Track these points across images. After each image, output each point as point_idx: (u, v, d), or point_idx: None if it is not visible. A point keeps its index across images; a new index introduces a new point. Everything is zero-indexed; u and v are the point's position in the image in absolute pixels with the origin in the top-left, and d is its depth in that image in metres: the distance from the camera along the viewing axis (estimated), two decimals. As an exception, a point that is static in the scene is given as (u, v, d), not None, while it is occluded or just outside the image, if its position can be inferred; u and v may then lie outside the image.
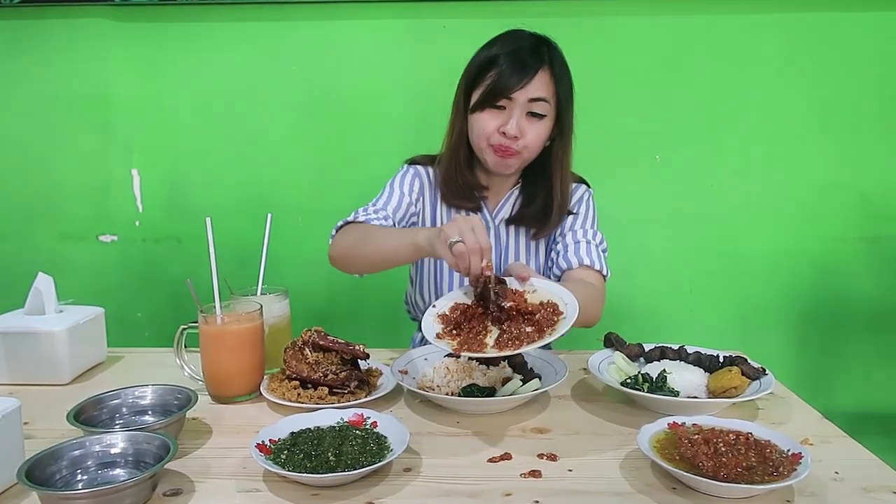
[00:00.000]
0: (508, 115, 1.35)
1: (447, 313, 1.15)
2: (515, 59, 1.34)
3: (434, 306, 1.17)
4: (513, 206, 1.52)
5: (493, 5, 2.06)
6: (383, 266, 1.36)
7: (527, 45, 1.36)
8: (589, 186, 1.56)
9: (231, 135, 2.20)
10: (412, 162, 1.56)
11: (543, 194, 1.47)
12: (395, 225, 1.46)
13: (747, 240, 2.23)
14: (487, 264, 1.09)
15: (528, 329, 1.07)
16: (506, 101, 1.35)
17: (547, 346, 1.58)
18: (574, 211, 1.51)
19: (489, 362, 1.24)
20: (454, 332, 1.12)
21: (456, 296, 1.19)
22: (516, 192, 1.52)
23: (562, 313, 1.09)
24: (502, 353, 1.04)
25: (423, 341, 1.63)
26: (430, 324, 1.14)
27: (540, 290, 1.16)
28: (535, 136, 1.37)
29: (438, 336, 1.11)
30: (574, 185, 1.53)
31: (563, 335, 1.04)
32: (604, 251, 1.50)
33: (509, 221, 1.51)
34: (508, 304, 1.10)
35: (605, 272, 1.45)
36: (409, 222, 1.53)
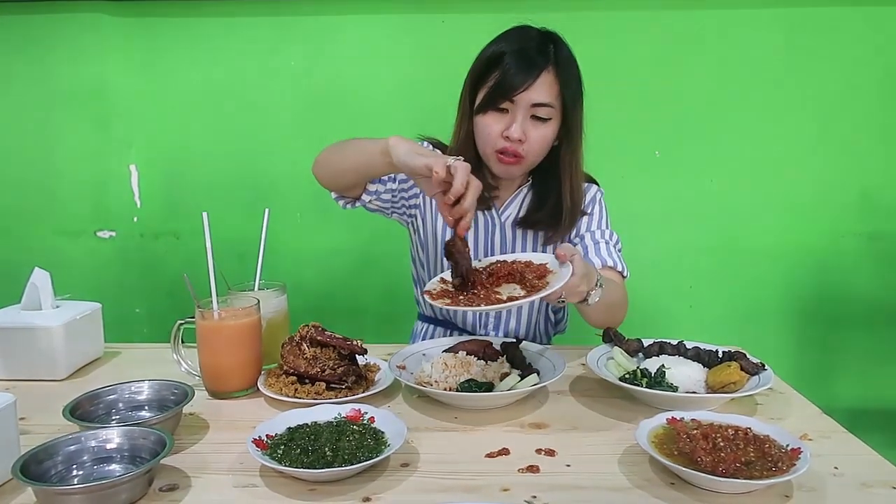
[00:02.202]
0: (512, 118, 1.33)
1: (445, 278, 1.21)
2: (519, 60, 1.31)
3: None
4: (520, 206, 1.50)
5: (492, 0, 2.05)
6: (356, 169, 1.32)
7: (533, 43, 1.33)
8: (599, 186, 1.55)
9: (229, 130, 2.19)
10: (434, 144, 1.52)
11: (554, 196, 1.45)
12: (394, 194, 1.45)
13: (747, 235, 2.23)
14: (467, 224, 1.10)
15: (501, 296, 1.12)
16: (508, 103, 1.33)
17: (547, 342, 1.59)
18: (587, 211, 1.50)
19: (487, 356, 1.24)
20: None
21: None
22: (525, 191, 1.50)
23: (541, 288, 1.11)
24: (454, 307, 1.09)
25: (423, 334, 1.62)
26: (433, 282, 1.20)
27: (556, 274, 1.16)
28: (537, 140, 1.35)
29: (427, 292, 1.16)
30: (585, 185, 1.51)
31: (519, 304, 1.08)
32: (619, 250, 1.48)
33: (519, 223, 1.49)
34: (470, 279, 1.15)
35: (625, 273, 1.45)
36: (410, 194, 1.50)
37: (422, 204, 1.53)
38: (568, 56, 1.37)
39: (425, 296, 1.14)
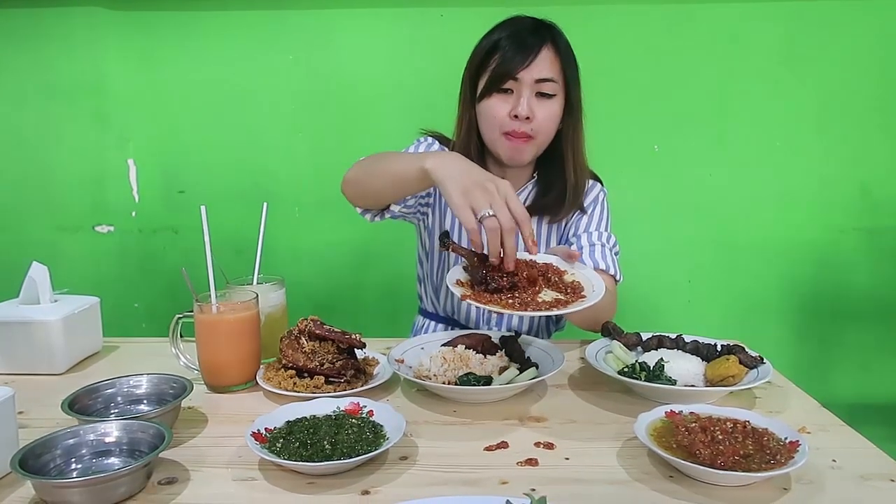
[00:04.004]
0: (517, 97, 1.34)
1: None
2: (517, 40, 1.33)
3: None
4: (525, 201, 1.49)
5: (490, -7, 2.05)
6: (391, 190, 1.28)
7: (527, 26, 1.36)
8: (603, 186, 1.54)
9: (228, 124, 2.19)
10: (437, 138, 1.50)
11: (560, 181, 1.44)
12: (418, 199, 1.42)
13: (746, 230, 2.23)
14: (533, 239, 1.10)
15: (545, 298, 1.11)
16: (512, 82, 1.33)
17: (546, 335, 1.59)
18: (588, 210, 1.49)
19: (486, 350, 1.24)
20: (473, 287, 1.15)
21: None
22: (530, 187, 1.49)
23: (584, 296, 1.11)
24: (505, 310, 1.06)
25: (424, 329, 1.62)
26: (454, 274, 1.18)
27: (577, 273, 1.18)
28: (545, 116, 1.35)
29: (458, 282, 1.14)
30: (590, 182, 1.51)
31: (573, 312, 1.08)
32: (616, 254, 1.48)
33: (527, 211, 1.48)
34: (492, 273, 1.13)
35: (618, 277, 1.44)
36: (424, 200, 1.49)
37: (434, 202, 1.53)
38: (563, 37, 1.38)
39: (468, 300, 1.09)
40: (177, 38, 2.14)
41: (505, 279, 1.12)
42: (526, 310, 1.07)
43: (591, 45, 2.06)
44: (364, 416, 1.00)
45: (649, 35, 2.12)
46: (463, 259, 1.21)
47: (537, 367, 1.18)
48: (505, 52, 1.33)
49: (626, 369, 1.16)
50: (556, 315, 1.08)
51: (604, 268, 1.41)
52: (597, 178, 1.55)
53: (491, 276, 1.13)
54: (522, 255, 1.21)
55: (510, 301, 1.09)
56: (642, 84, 2.14)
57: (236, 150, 2.20)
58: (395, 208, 1.37)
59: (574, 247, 1.46)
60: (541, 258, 1.22)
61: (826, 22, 2.10)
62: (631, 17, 2.11)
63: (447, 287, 1.15)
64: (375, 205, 1.36)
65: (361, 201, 1.36)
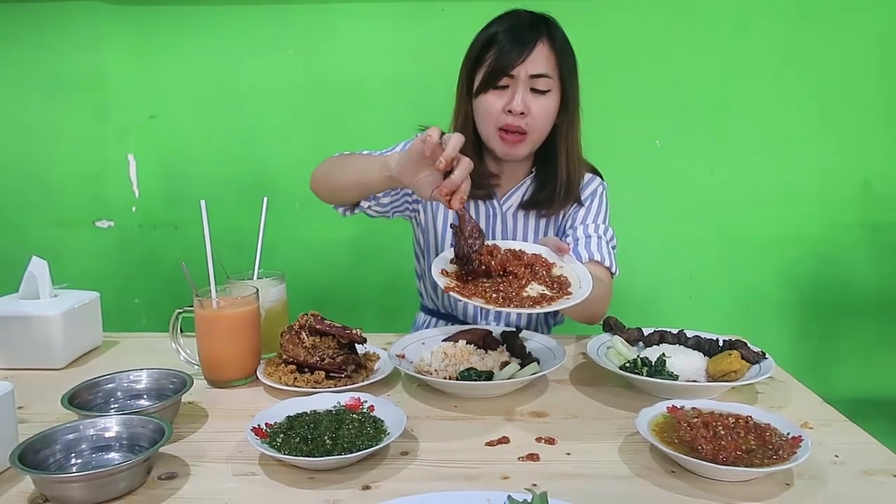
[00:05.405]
0: (513, 92, 1.33)
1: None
2: (513, 35, 1.33)
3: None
4: (522, 196, 1.49)
5: (491, -13, 2.04)
6: (355, 189, 1.34)
7: (524, 21, 1.35)
8: (603, 179, 1.54)
9: (228, 119, 2.19)
10: None
11: (555, 176, 1.44)
12: (394, 198, 1.44)
13: (748, 225, 2.22)
14: (461, 198, 1.06)
15: (530, 293, 1.07)
16: (507, 78, 1.33)
17: (546, 330, 1.59)
18: (586, 203, 1.48)
19: (487, 345, 1.24)
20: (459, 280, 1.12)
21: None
22: (528, 182, 1.49)
23: (570, 293, 1.09)
24: (487, 306, 1.02)
25: (425, 325, 1.62)
26: (439, 263, 1.15)
27: (566, 268, 1.16)
28: (541, 111, 1.35)
29: (443, 272, 1.12)
30: (589, 176, 1.51)
31: (556, 310, 1.06)
32: (613, 247, 1.47)
33: (522, 206, 1.48)
34: (477, 252, 1.09)
35: (613, 269, 1.43)
36: (411, 197, 1.50)
37: (421, 200, 1.52)
38: (560, 32, 1.38)
39: (452, 292, 1.06)
40: (176, 32, 2.13)
41: (483, 261, 1.10)
42: (509, 305, 1.03)
43: (593, 39, 2.06)
44: (365, 411, 0.99)
45: (651, 29, 2.11)
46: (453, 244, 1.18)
47: (538, 363, 1.17)
48: (501, 47, 1.33)
49: (627, 364, 1.16)
50: (539, 312, 1.05)
51: (598, 259, 1.40)
52: (596, 173, 1.54)
53: (472, 246, 1.09)
54: (510, 245, 1.19)
55: (493, 296, 1.06)
56: (644, 78, 2.14)
57: (236, 144, 2.20)
58: (364, 204, 1.40)
59: (569, 239, 1.46)
60: (530, 248, 1.21)
61: (828, 17, 2.09)
62: (633, 11, 2.10)
63: None
64: (339, 202, 1.41)
65: (330, 199, 1.41)
